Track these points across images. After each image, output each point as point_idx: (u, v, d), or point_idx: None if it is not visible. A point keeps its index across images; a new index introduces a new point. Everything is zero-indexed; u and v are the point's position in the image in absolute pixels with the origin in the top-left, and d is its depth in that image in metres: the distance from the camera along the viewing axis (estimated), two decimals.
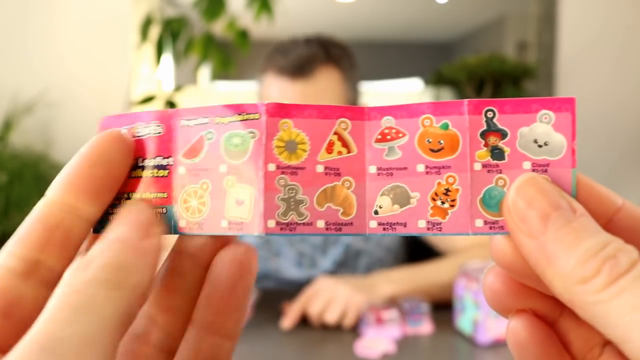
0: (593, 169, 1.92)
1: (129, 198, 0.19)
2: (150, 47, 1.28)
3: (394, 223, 0.18)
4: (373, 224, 0.18)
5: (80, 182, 0.17)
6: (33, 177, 1.63)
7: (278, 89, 0.84)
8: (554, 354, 0.17)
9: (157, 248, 0.16)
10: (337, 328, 0.68)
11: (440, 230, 0.18)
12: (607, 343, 0.17)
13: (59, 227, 0.17)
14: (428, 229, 0.18)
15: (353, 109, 0.18)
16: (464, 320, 0.65)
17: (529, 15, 1.91)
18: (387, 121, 0.18)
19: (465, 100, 0.17)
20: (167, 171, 0.18)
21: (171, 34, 1.16)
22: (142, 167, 0.19)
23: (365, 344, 0.61)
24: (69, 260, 0.16)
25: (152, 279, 0.16)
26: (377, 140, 0.18)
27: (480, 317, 0.62)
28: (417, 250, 1.05)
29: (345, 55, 0.89)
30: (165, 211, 0.18)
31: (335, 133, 0.18)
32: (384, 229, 0.18)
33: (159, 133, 0.19)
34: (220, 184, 0.18)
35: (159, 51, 1.15)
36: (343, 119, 0.18)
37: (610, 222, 0.16)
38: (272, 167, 0.18)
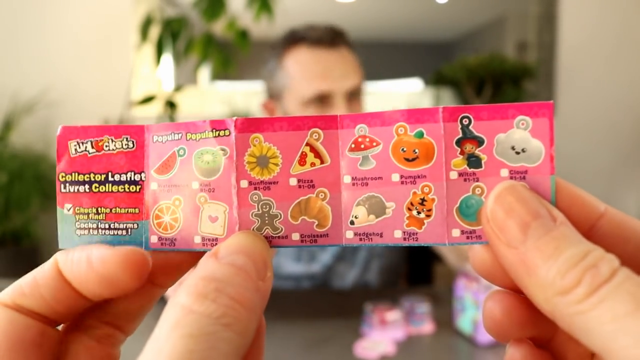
0: (593, 168, 1.92)
1: (98, 213, 0.18)
2: (150, 47, 1.27)
3: (370, 233, 0.18)
4: (349, 234, 0.18)
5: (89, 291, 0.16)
6: (33, 177, 1.63)
7: (316, 59, 0.86)
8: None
9: (269, 293, 0.16)
10: (338, 326, 0.68)
11: (416, 241, 0.17)
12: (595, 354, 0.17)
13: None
14: (404, 239, 0.17)
15: (325, 118, 0.18)
16: (464, 320, 0.65)
17: (529, 15, 1.91)
18: (361, 129, 0.18)
19: (440, 107, 0.17)
20: (139, 186, 0.18)
21: (171, 34, 1.15)
22: (113, 182, 0.18)
23: (365, 344, 0.61)
24: None
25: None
26: (351, 150, 0.18)
27: (481, 317, 0.62)
28: (417, 257, 1.05)
29: (351, 41, 0.94)
30: (136, 227, 0.18)
31: (307, 144, 0.18)
32: (360, 239, 0.18)
33: (131, 148, 0.18)
34: (192, 201, 0.18)
35: (159, 51, 1.15)
36: (315, 129, 0.18)
37: (592, 229, 0.16)
38: (244, 183, 0.18)
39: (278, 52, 0.90)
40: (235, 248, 0.16)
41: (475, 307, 0.63)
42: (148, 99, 1.12)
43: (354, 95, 0.87)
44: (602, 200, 0.17)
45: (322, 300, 0.80)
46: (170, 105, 1.16)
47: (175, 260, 0.18)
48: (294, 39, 0.88)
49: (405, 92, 2.01)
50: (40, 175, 1.67)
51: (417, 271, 1.08)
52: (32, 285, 0.16)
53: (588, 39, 1.90)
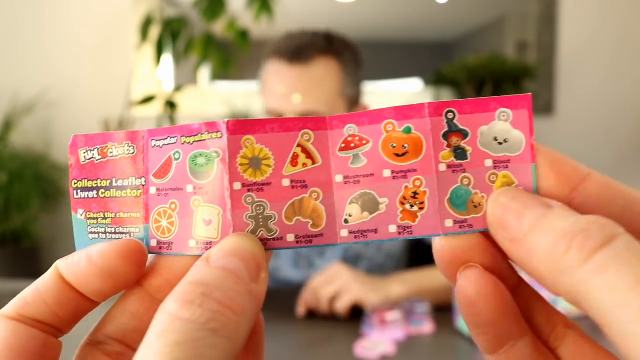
0: (593, 168, 1.92)
1: (105, 218, 0.19)
2: (150, 47, 1.28)
3: (365, 230, 0.18)
4: (344, 233, 0.18)
5: (86, 287, 0.17)
6: (33, 177, 1.63)
7: (276, 73, 0.84)
8: (509, 316, 0.16)
9: (263, 295, 0.15)
10: (338, 326, 0.68)
11: (411, 234, 0.18)
12: (571, 325, 0.17)
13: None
14: (399, 233, 0.18)
15: (315, 120, 0.18)
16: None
17: (529, 15, 1.91)
18: (350, 129, 0.18)
19: (426, 103, 0.17)
20: (139, 191, 0.19)
21: (171, 34, 1.16)
22: (117, 188, 0.19)
23: (365, 344, 0.61)
24: None
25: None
26: (342, 149, 0.18)
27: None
28: (420, 256, 1.05)
29: (348, 51, 0.88)
30: (139, 231, 0.19)
31: (299, 145, 0.18)
32: (355, 237, 0.18)
33: (132, 153, 0.19)
34: (187, 204, 0.18)
35: (159, 51, 1.15)
36: (306, 131, 0.18)
37: (575, 191, 0.16)
38: (237, 185, 0.18)
39: (265, 58, 0.89)
40: (227, 251, 0.16)
41: None
42: (148, 99, 1.12)
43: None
44: None
45: None
46: (170, 105, 1.16)
47: (179, 272, 0.18)
48: (272, 48, 0.87)
49: (405, 92, 2.01)
50: (40, 175, 1.67)
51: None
52: (35, 293, 0.16)
53: (588, 39, 1.90)
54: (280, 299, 0.77)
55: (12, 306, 0.16)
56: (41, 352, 0.16)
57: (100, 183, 0.19)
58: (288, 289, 0.89)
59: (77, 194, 0.19)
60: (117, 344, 0.18)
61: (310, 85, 0.83)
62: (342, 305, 0.70)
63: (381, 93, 1.98)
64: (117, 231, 0.19)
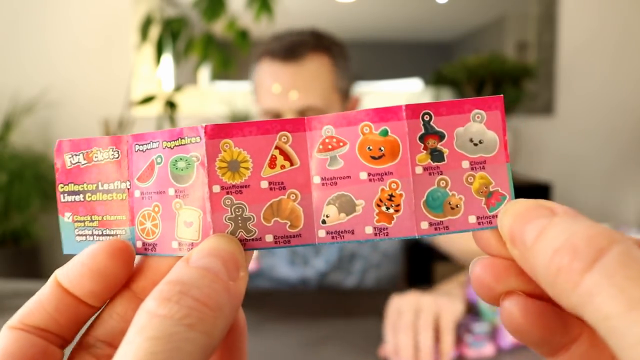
0: (592, 169, 1.92)
1: (92, 221, 0.19)
2: (150, 47, 1.28)
3: (342, 231, 0.18)
4: (322, 233, 0.18)
5: (80, 289, 0.17)
6: (33, 177, 1.63)
7: (271, 73, 0.85)
8: (558, 331, 0.16)
9: (242, 294, 0.16)
10: (339, 326, 0.68)
11: (387, 235, 0.18)
12: None
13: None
14: (375, 234, 0.18)
15: (293, 122, 0.18)
16: (481, 326, 0.62)
17: (529, 15, 1.91)
18: (328, 130, 0.18)
19: (403, 105, 0.18)
20: (125, 194, 0.19)
21: (171, 34, 1.15)
22: (103, 191, 0.19)
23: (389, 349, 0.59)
24: None
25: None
26: (319, 150, 0.18)
27: (500, 322, 0.57)
28: (417, 256, 1.05)
29: (335, 45, 0.90)
30: (125, 233, 0.19)
31: (277, 147, 0.18)
32: (333, 237, 0.18)
33: (116, 158, 0.19)
34: (169, 207, 0.18)
35: (159, 51, 1.15)
36: (284, 133, 0.18)
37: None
38: (216, 188, 0.18)
39: (255, 60, 0.90)
40: (206, 251, 0.16)
41: (493, 312, 0.61)
42: (148, 99, 1.12)
43: (308, 114, 0.83)
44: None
45: (323, 300, 0.80)
46: (170, 105, 1.16)
47: (163, 274, 0.18)
48: (263, 49, 0.87)
49: (405, 92, 2.01)
50: (40, 176, 1.67)
51: (417, 271, 1.08)
52: (37, 302, 0.17)
53: (588, 39, 1.90)
54: (280, 298, 0.77)
55: (16, 316, 0.17)
56: (41, 358, 0.16)
57: (87, 187, 0.20)
58: (288, 289, 0.89)
59: (63, 198, 0.20)
60: (106, 346, 0.18)
61: (306, 81, 0.83)
62: (449, 328, 0.59)
63: (381, 93, 1.98)
64: (104, 233, 0.19)
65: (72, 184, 0.20)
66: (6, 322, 0.17)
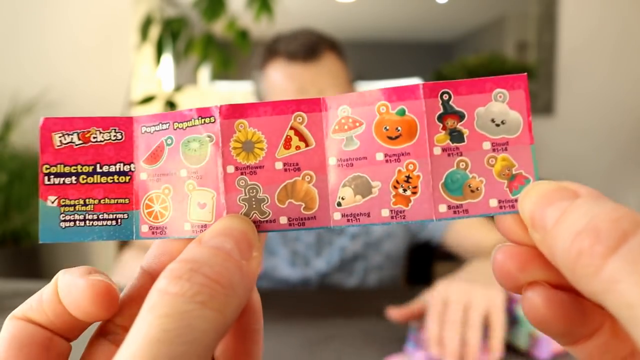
0: (592, 169, 1.92)
1: (85, 205, 0.18)
2: (150, 47, 1.27)
3: (358, 214, 0.18)
4: (337, 215, 0.18)
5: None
6: (33, 177, 1.63)
7: (290, 74, 0.84)
8: (580, 322, 0.16)
9: (257, 272, 0.16)
10: (339, 326, 0.68)
11: (404, 218, 0.17)
12: None
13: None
14: (392, 217, 0.17)
15: (308, 102, 0.18)
16: (518, 335, 0.59)
17: (529, 15, 1.91)
18: (344, 111, 0.18)
19: (420, 84, 0.17)
20: (128, 177, 0.19)
21: (171, 34, 1.15)
22: (102, 174, 0.19)
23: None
24: None
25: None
26: (335, 131, 0.18)
27: (539, 331, 0.53)
28: (420, 257, 1.04)
29: (337, 42, 0.92)
30: (127, 217, 0.18)
31: (292, 128, 0.18)
32: (348, 220, 0.18)
33: (119, 139, 0.19)
34: (181, 188, 0.18)
35: (159, 51, 1.15)
36: (299, 113, 0.18)
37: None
38: (231, 169, 0.18)
39: (260, 62, 0.89)
40: (218, 231, 0.16)
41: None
42: (148, 99, 1.12)
43: None
44: None
45: (324, 300, 0.80)
46: (170, 105, 1.16)
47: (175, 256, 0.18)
48: (273, 51, 0.87)
49: None
50: None
51: (417, 271, 1.08)
52: (38, 300, 0.17)
53: (588, 39, 1.90)
54: (280, 298, 0.77)
55: (20, 308, 0.17)
56: (47, 344, 0.16)
57: (81, 169, 0.18)
58: (287, 289, 0.89)
59: (48, 180, 0.18)
60: (125, 332, 0.18)
61: (327, 78, 0.85)
62: (500, 326, 0.56)
63: None
64: (101, 217, 0.18)
65: (62, 165, 0.18)
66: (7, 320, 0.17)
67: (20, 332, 0.16)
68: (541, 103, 1.90)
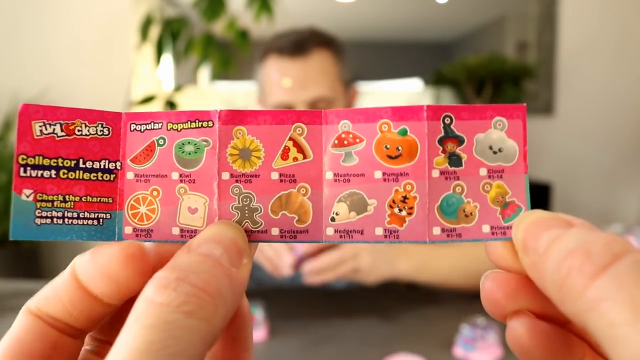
0: (593, 169, 1.92)
1: (65, 201, 0.17)
2: (150, 47, 1.27)
3: (351, 230, 0.17)
4: (330, 231, 0.18)
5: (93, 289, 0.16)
6: None
7: (279, 69, 0.89)
8: (559, 350, 0.16)
9: (246, 281, 0.15)
10: (339, 326, 0.68)
11: (397, 238, 0.17)
12: None
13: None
14: (385, 236, 0.17)
15: (309, 113, 0.18)
16: None
17: (529, 15, 1.91)
18: (344, 125, 0.18)
19: (424, 106, 0.17)
20: (113, 175, 0.18)
21: (171, 34, 1.15)
22: (85, 169, 0.17)
23: None
24: None
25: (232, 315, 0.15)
26: (334, 145, 0.18)
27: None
28: None
29: (334, 40, 0.95)
30: (109, 217, 0.18)
31: (291, 139, 0.18)
32: (341, 236, 0.18)
33: (106, 135, 0.18)
34: (172, 191, 0.18)
35: (159, 51, 1.15)
36: (299, 124, 0.18)
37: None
38: (226, 175, 0.17)
39: (259, 59, 0.94)
40: (207, 238, 0.15)
41: None
42: (148, 99, 1.12)
43: (320, 105, 0.88)
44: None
45: (323, 300, 0.80)
46: (170, 105, 1.16)
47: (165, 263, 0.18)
48: (267, 47, 0.92)
49: (405, 92, 2.01)
50: None
51: None
52: (54, 289, 0.16)
53: (588, 39, 1.90)
54: (280, 298, 0.77)
55: (35, 298, 0.16)
56: (49, 353, 0.16)
57: (63, 162, 0.17)
58: (287, 289, 0.89)
59: (24, 172, 0.17)
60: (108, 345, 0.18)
61: (314, 73, 0.88)
62: (342, 271, 0.72)
63: (381, 93, 1.98)
64: (82, 216, 0.17)
65: (41, 157, 0.17)
66: (9, 321, 0.17)
67: (27, 335, 0.16)
68: (541, 103, 1.90)
